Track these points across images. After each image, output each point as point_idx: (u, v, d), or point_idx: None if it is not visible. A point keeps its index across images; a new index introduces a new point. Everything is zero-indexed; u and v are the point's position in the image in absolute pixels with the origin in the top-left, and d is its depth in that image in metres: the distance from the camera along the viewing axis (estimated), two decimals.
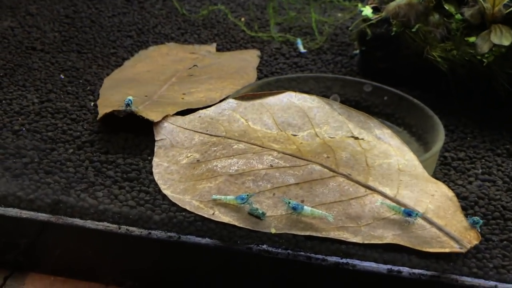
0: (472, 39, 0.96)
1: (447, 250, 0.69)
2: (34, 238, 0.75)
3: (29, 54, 1.12)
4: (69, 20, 1.27)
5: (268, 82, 1.01)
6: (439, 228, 0.71)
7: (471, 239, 0.71)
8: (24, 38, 1.17)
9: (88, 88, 1.02)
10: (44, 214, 0.73)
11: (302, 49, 1.22)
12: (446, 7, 0.98)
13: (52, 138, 0.86)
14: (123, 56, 1.15)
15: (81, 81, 1.04)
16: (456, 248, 0.69)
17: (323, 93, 1.02)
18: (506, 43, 0.91)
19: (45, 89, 1.00)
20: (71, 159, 0.81)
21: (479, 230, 0.71)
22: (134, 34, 1.24)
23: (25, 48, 1.14)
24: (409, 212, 0.71)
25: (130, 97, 0.84)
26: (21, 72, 1.05)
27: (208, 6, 1.39)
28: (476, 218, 0.72)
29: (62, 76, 1.05)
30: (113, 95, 0.94)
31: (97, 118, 0.87)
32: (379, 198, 0.73)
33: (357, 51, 1.18)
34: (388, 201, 0.73)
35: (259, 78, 1.08)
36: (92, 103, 0.96)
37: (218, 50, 1.20)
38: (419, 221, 0.72)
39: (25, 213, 0.73)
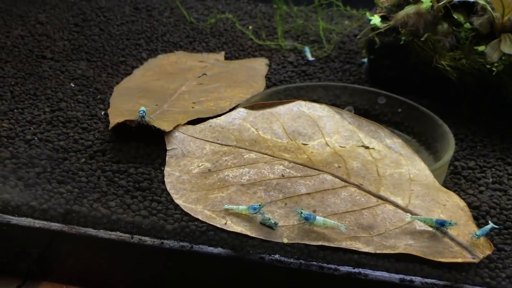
0: (481, 48, 0.96)
1: (459, 260, 0.69)
2: (47, 247, 0.75)
3: (39, 62, 1.13)
4: (78, 28, 1.28)
5: (277, 91, 1.01)
6: (451, 238, 0.71)
7: (483, 249, 0.71)
8: (34, 46, 1.18)
9: (98, 96, 1.03)
10: (57, 224, 0.74)
11: (310, 57, 1.22)
12: (455, 16, 0.98)
13: (64, 147, 0.86)
14: (132, 64, 1.16)
15: (91, 89, 1.05)
16: (468, 258, 0.69)
17: (332, 102, 1.03)
18: None
19: (56, 98, 1.00)
20: (83, 169, 0.82)
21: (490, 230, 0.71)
22: (143, 42, 1.25)
23: (35, 57, 1.14)
24: (442, 223, 0.71)
25: (144, 108, 0.85)
26: (32, 81, 1.06)
27: (216, 14, 1.39)
28: (479, 231, 0.71)
29: (73, 85, 1.06)
30: (123, 104, 0.95)
31: (109, 128, 0.87)
32: (408, 214, 0.72)
33: (365, 59, 1.19)
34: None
35: (267, 87, 1.08)
36: (103, 112, 0.97)
37: (226, 58, 1.21)
38: (431, 230, 0.72)
39: (38, 223, 0.74)
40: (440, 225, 0.71)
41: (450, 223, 0.71)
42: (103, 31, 1.28)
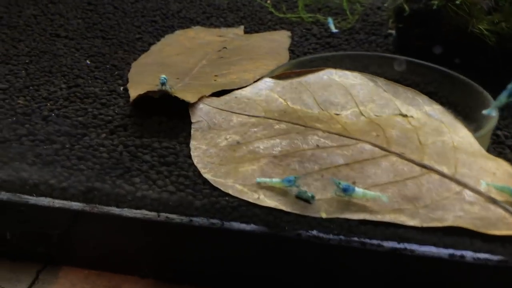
0: None
1: None
2: (67, 229, 0.71)
3: (53, 41, 1.08)
4: (91, 7, 1.24)
5: (303, 61, 0.96)
6: (505, 209, 0.65)
7: None
8: (47, 25, 1.14)
9: (116, 73, 0.98)
10: (77, 203, 0.69)
11: (333, 29, 1.16)
12: None
13: (82, 123, 0.82)
14: (149, 41, 1.11)
15: (108, 66, 1.00)
16: None
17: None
18: None
19: (72, 75, 0.96)
20: (104, 144, 0.77)
21: None
22: (159, 19, 1.20)
23: (49, 35, 1.10)
24: None
25: (164, 76, 0.80)
26: (46, 59, 1.01)
27: None
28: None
29: (88, 62, 1.01)
30: (143, 78, 0.90)
31: (130, 101, 0.83)
32: (483, 181, 0.66)
33: (392, 31, 1.13)
34: (505, 183, 0.66)
35: (291, 59, 1.03)
36: (122, 88, 0.92)
37: (245, 32, 1.15)
38: (481, 201, 0.66)
39: (58, 202, 0.69)
40: None
41: None
42: (117, 9, 1.23)
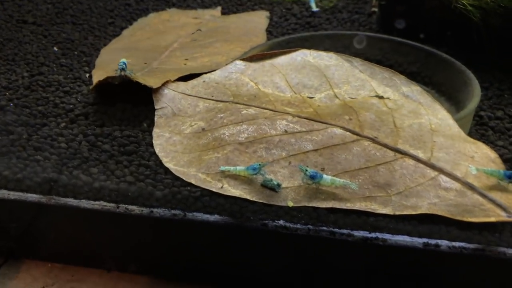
0: None
1: (492, 219, 0.60)
2: (25, 221, 0.67)
3: (20, 27, 1.04)
4: None
5: (279, 42, 0.92)
6: (482, 195, 0.62)
7: None
8: (14, 11, 1.10)
9: (84, 59, 0.94)
10: (34, 195, 0.66)
11: (314, 7, 1.11)
12: None
13: (42, 112, 0.78)
14: (121, 25, 1.07)
15: (76, 53, 0.96)
16: (503, 216, 0.60)
17: (341, 53, 0.93)
18: None
19: (37, 63, 0.92)
20: (63, 134, 0.74)
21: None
22: (133, 2, 1.16)
23: (15, 22, 1.06)
24: (510, 175, 0.62)
25: (124, 60, 0.75)
26: (10, 47, 0.97)
27: None
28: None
29: (56, 49, 0.97)
30: (109, 64, 0.86)
31: (90, 88, 0.79)
32: (473, 166, 0.63)
33: (376, 9, 1.08)
34: (483, 167, 0.63)
35: (269, 40, 0.98)
36: (88, 75, 0.89)
37: (223, 14, 1.11)
38: (457, 186, 0.63)
39: (13, 194, 0.66)
40: (509, 178, 0.62)
41: None
42: None
